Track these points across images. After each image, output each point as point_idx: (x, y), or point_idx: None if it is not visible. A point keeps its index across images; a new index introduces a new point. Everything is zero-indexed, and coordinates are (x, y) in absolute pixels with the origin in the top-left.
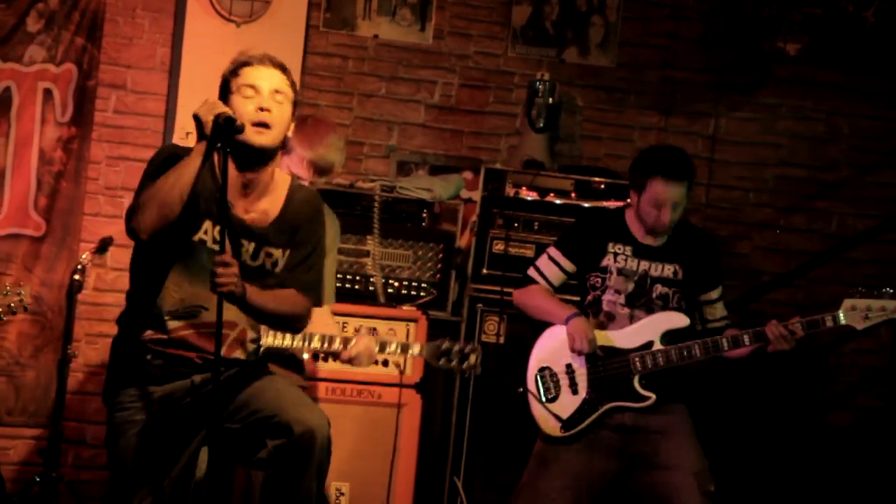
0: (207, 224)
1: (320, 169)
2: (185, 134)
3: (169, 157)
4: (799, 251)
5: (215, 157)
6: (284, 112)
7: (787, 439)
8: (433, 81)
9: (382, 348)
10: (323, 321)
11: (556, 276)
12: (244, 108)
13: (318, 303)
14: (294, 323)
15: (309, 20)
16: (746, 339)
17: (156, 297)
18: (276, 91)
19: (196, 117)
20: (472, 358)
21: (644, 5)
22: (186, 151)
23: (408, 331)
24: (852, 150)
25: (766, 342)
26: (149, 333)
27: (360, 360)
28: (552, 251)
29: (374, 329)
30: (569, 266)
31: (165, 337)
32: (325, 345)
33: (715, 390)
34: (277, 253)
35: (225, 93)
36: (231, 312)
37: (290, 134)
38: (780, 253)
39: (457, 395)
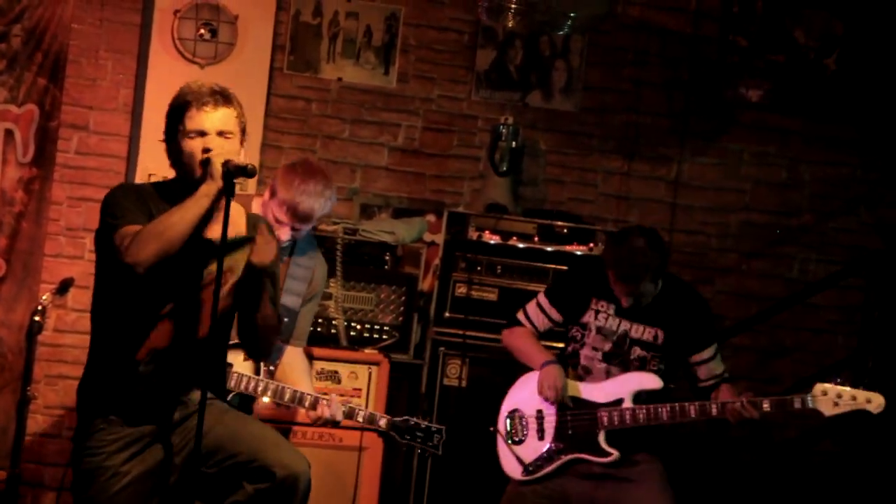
0: None
1: (299, 215)
2: (147, 175)
3: (136, 193)
4: (761, 296)
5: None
6: (233, 144)
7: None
8: (397, 124)
9: (350, 415)
10: (298, 364)
11: (542, 322)
12: (195, 150)
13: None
14: (267, 345)
15: (273, 62)
16: (714, 409)
17: (133, 341)
18: (222, 132)
19: (206, 161)
20: (435, 439)
21: (607, 50)
22: (143, 189)
23: (370, 374)
24: (815, 196)
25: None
26: (123, 373)
27: (325, 423)
28: (541, 298)
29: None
30: (555, 315)
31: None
32: (295, 403)
33: (687, 442)
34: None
35: (173, 132)
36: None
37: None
38: (742, 298)
39: None
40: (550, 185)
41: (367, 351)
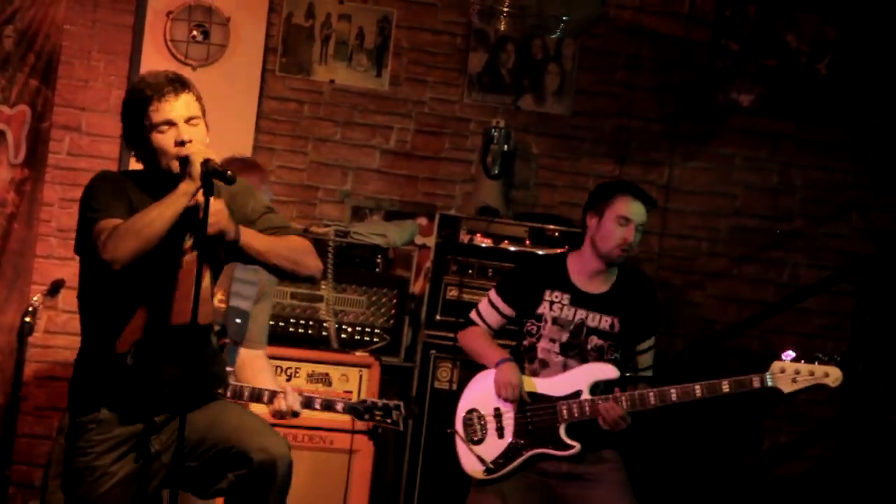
0: None
1: None
2: None
3: (115, 184)
4: (752, 301)
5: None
6: (201, 131)
7: (732, 488)
8: (389, 127)
9: (308, 405)
10: (256, 364)
11: (495, 319)
12: (166, 143)
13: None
14: (306, 260)
15: (265, 64)
16: (674, 394)
17: (115, 334)
18: (189, 118)
19: (185, 159)
20: (395, 415)
21: (600, 55)
22: (122, 179)
23: (360, 377)
24: (806, 201)
25: (693, 399)
26: (109, 366)
27: (284, 416)
28: (492, 295)
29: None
30: (507, 311)
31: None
32: (254, 400)
33: (657, 438)
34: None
35: (137, 129)
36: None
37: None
38: (733, 302)
39: (409, 441)
40: (542, 188)
41: (357, 353)
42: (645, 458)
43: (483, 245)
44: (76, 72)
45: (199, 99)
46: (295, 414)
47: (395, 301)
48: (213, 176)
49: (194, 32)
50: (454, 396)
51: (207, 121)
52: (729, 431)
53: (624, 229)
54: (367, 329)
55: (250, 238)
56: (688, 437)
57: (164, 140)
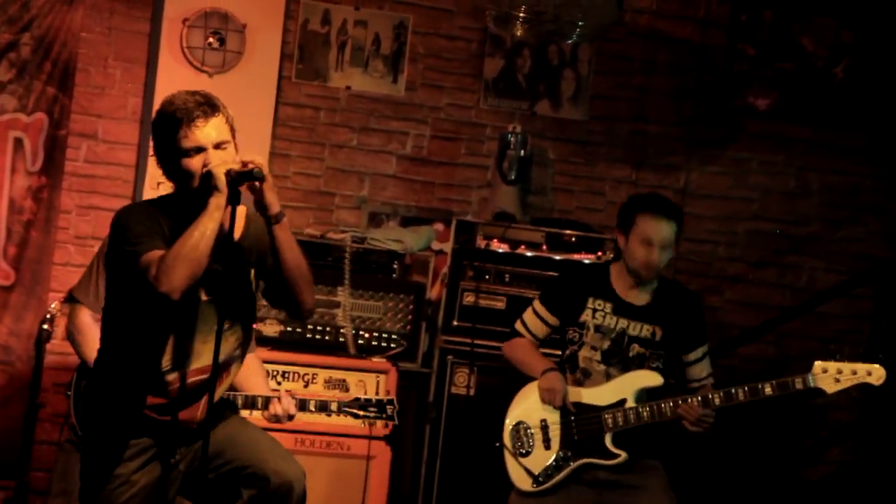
0: None
1: None
2: (156, 184)
3: (146, 213)
4: (769, 305)
5: None
6: (230, 153)
7: (762, 493)
8: (405, 133)
9: (303, 407)
10: (253, 367)
11: (540, 329)
12: (195, 168)
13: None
14: (311, 290)
15: (281, 71)
16: (717, 399)
17: (143, 350)
18: (219, 144)
19: (209, 174)
20: (389, 409)
21: (616, 59)
22: (147, 208)
23: (377, 382)
24: (823, 205)
25: (731, 402)
26: (137, 387)
27: (280, 420)
28: (536, 305)
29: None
30: (552, 320)
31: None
32: (249, 407)
33: (692, 445)
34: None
35: (170, 155)
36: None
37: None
38: (750, 307)
39: (426, 447)
40: (558, 193)
41: (374, 359)
42: (682, 465)
43: (500, 250)
44: (93, 79)
45: (228, 119)
46: (290, 417)
47: (411, 307)
48: (240, 180)
49: (210, 39)
50: (471, 402)
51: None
52: (756, 435)
53: (648, 250)
54: (384, 335)
55: (287, 227)
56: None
57: (194, 164)
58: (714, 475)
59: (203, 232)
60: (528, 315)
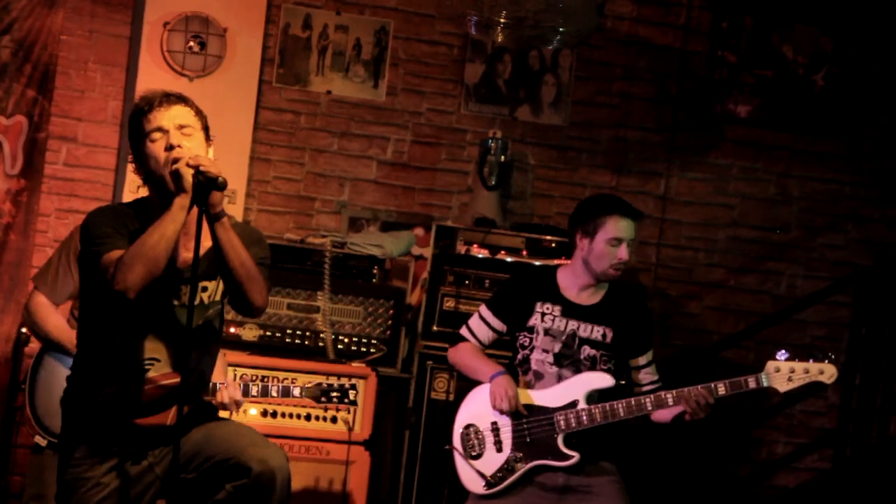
0: None
1: None
2: (135, 188)
3: (113, 216)
4: (749, 311)
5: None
6: (196, 141)
7: (729, 499)
8: (385, 138)
9: (245, 392)
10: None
11: (485, 334)
12: (157, 150)
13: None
14: (253, 290)
15: (262, 75)
16: (670, 399)
17: (115, 354)
18: (181, 126)
19: (176, 172)
20: (352, 395)
21: (596, 65)
22: (120, 210)
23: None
24: (803, 211)
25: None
26: (109, 391)
27: (228, 408)
28: (482, 310)
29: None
30: (498, 325)
31: (126, 394)
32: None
33: (655, 449)
34: (211, 285)
35: (136, 142)
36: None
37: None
38: (730, 313)
39: (406, 452)
40: (539, 199)
41: (354, 364)
42: (642, 470)
43: (480, 256)
44: (73, 82)
45: (198, 114)
46: (238, 404)
47: (391, 312)
48: (206, 185)
49: (191, 43)
50: (451, 407)
51: (212, 141)
52: (725, 442)
53: (617, 249)
54: (364, 340)
55: (228, 230)
56: (684, 447)
57: (156, 147)
58: (683, 483)
59: (163, 233)
60: (473, 320)
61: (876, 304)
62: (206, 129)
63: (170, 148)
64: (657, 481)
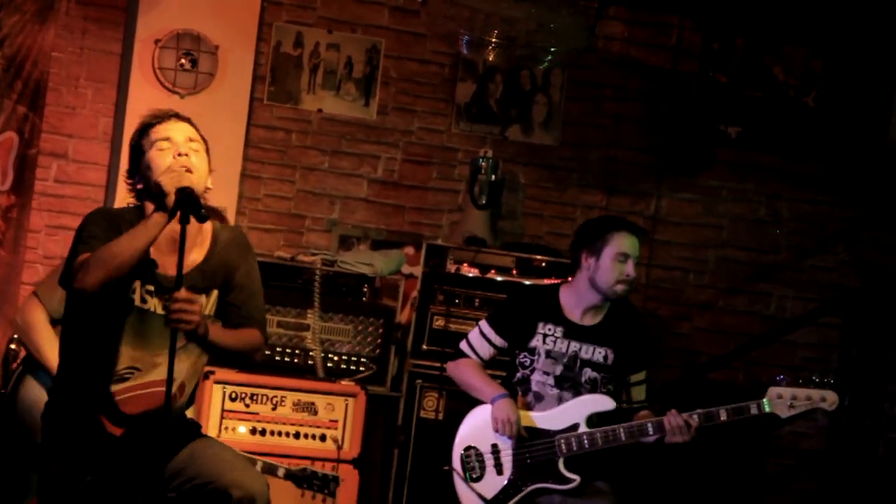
0: (136, 283)
1: None
2: (126, 204)
3: (109, 219)
4: (738, 332)
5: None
6: (202, 159)
7: None
8: (376, 156)
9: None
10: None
11: (486, 351)
12: (162, 160)
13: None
14: (254, 357)
15: (253, 93)
16: (650, 427)
17: (89, 364)
18: (190, 139)
19: (158, 185)
20: (332, 487)
21: (588, 86)
22: (120, 215)
23: (346, 406)
24: (792, 233)
25: (662, 433)
26: (88, 400)
27: None
28: (483, 326)
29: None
30: (499, 342)
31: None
32: None
33: (644, 469)
34: (201, 299)
35: (137, 154)
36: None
37: (210, 185)
38: (720, 334)
39: (395, 470)
40: (529, 218)
41: (343, 383)
42: (635, 491)
43: (470, 275)
44: (64, 99)
45: (203, 139)
46: None
47: (381, 330)
48: (187, 208)
49: (182, 60)
50: (440, 426)
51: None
52: (716, 463)
53: (624, 265)
54: (354, 358)
55: (217, 336)
56: (676, 468)
57: (162, 156)
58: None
59: (132, 243)
60: (474, 336)
61: (865, 325)
62: (208, 153)
63: (180, 155)
64: (646, 501)
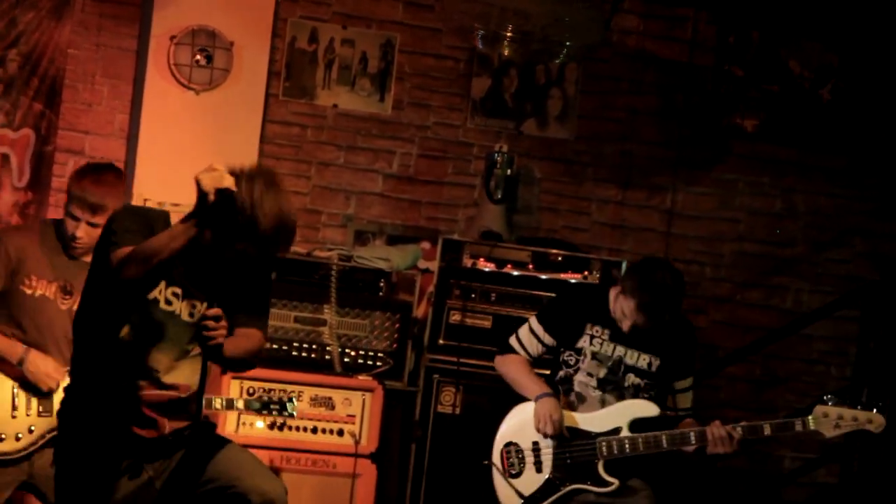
0: (161, 284)
1: (90, 205)
2: (142, 200)
3: (143, 215)
4: (755, 326)
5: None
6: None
7: None
8: (391, 151)
9: (208, 405)
10: None
11: (536, 348)
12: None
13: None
14: (254, 361)
15: (268, 89)
16: (692, 436)
17: (109, 362)
18: None
19: (199, 186)
20: (290, 408)
21: (603, 79)
22: (155, 214)
23: (363, 401)
24: (808, 226)
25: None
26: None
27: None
28: (533, 323)
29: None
30: (549, 340)
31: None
32: None
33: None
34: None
35: None
36: (181, 375)
37: None
38: (736, 328)
39: (412, 465)
40: (545, 212)
41: (361, 378)
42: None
43: (486, 269)
44: (80, 95)
45: None
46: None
47: (398, 325)
48: (227, 203)
49: (198, 57)
50: (457, 420)
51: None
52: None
53: (622, 323)
54: (371, 353)
55: (230, 350)
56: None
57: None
58: (690, 498)
59: (169, 243)
60: (523, 332)
61: (883, 318)
62: None
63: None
64: (662, 497)
